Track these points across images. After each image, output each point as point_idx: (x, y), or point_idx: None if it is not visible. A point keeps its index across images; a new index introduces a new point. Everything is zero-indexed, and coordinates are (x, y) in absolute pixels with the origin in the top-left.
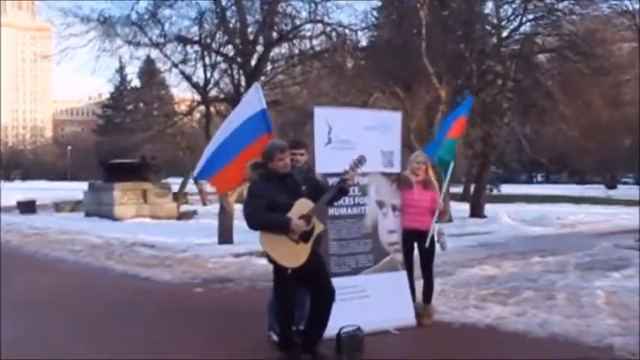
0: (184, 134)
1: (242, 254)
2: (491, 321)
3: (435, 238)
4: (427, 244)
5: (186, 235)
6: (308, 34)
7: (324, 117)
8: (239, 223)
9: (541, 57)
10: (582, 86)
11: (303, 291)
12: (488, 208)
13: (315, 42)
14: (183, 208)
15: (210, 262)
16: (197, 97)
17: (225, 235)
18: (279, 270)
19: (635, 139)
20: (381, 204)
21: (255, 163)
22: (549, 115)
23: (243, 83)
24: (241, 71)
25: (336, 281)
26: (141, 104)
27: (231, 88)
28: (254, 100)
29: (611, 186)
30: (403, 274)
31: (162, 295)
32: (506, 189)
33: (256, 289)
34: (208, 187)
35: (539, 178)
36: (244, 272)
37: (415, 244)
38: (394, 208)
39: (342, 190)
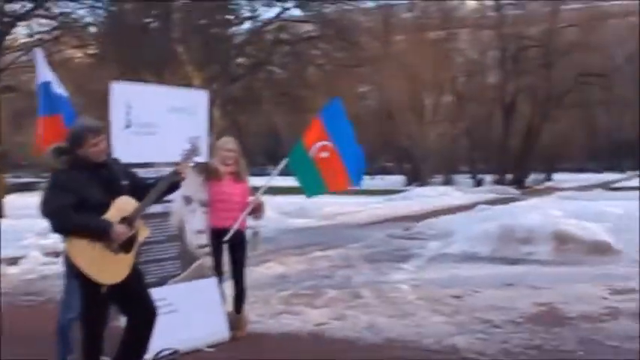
0: None
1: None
2: (313, 328)
3: (246, 239)
4: (227, 238)
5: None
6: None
7: (124, 95)
8: None
9: (305, 45)
10: (342, 76)
11: None
12: None
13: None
14: None
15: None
16: None
17: None
18: (89, 287)
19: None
20: (188, 199)
21: (59, 148)
22: (306, 105)
23: None
24: None
25: None
26: None
27: None
28: (38, 69)
29: None
30: (213, 282)
31: None
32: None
33: (16, 306)
34: None
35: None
36: None
37: (224, 246)
38: (202, 204)
39: (173, 186)
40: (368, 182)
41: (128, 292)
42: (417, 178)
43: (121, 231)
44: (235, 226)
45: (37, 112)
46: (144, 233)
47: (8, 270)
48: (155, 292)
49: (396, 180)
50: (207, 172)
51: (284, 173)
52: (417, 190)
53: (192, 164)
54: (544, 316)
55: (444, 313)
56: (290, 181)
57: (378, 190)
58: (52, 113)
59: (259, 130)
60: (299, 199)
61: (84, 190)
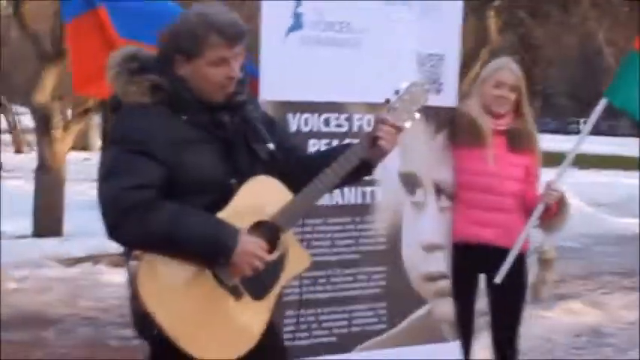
0: None
1: (79, 260)
2: None
3: (527, 268)
4: (499, 279)
5: None
6: None
7: None
8: (76, 197)
9: None
10: None
11: None
12: None
13: None
14: None
15: (13, 280)
16: None
17: (47, 221)
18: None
19: None
20: (410, 182)
21: (134, 57)
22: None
23: None
24: None
25: None
26: None
27: None
28: None
29: None
30: (454, 348)
31: None
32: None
33: (108, 347)
34: (27, 121)
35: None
36: (80, 304)
37: (483, 278)
38: (439, 193)
39: (365, 165)
40: None
41: None
42: None
43: (253, 250)
44: (515, 250)
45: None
46: (301, 262)
47: (108, 276)
48: None
49: None
50: (457, 129)
51: (599, 129)
52: None
53: (410, 121)
54: None
55: None
56: (605, 145)
57: None
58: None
59: (561, 53)
60: (620, 179)
61: (183, 154)
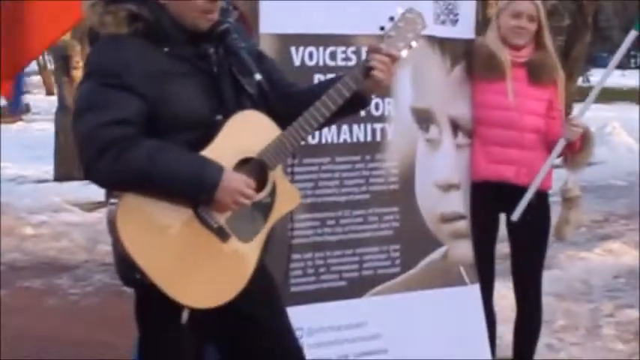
0: None
1: (99, 204)
2: None
3: (550, 208)
4: (516, 216)
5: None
6: None
7: None
8: None
9: None
10: None
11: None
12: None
13: None
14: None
15: (30, 224)
16: None
17: (69, 164)
18: (157, 311)
19: None
20: (424, 118)
21: None
22: None
23: None
24: None
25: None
26: None
27: None
28: None
29: None
30: (473, 293)
31: None
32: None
33: (121, 295)
34: None
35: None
36: (97, 250)
37: (503, 218)
38: (456, 129)
39: (358, 99)
40: None
41: (245, 322)
42: None
43: (237, 186)
44: (534, 187)
45: None
46: (291, 201)
47: None
48: (337, 310)
49: None
50: (475, 61)
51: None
52: None
53: (406, 50)
54: None
55: None
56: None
57: None
58: None
59: None
60: None
61: (164, 88)
